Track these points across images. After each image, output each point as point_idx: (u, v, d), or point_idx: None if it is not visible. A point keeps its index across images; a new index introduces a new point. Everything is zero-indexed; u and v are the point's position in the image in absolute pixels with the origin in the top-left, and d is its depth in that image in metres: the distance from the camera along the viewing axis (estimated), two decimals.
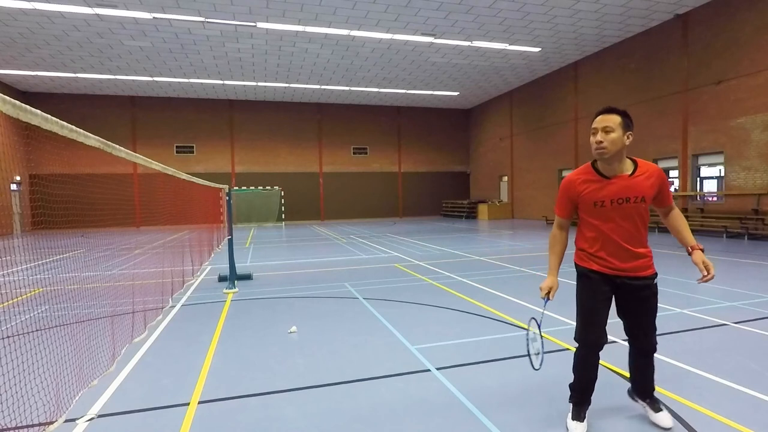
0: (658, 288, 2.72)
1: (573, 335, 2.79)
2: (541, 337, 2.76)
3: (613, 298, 2.71)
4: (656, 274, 2.67)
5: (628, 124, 2.53)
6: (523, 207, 26.12)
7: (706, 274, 2.57)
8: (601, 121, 2.53)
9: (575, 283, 2.80)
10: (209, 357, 4.28)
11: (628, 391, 3.04)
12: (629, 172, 2.56)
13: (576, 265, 2.80)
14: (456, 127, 32.10)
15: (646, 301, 2.66)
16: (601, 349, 2.68)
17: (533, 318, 2.82)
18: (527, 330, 2.83)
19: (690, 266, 8.84)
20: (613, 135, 2.48)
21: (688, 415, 2.91)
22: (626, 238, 2.58)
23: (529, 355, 2.78)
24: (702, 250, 2.63)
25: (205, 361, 4.16)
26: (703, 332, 4.69)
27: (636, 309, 2.69)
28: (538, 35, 17.56)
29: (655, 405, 2.83)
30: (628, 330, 2.79)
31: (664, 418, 2.76)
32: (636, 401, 2.96)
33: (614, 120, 2.51)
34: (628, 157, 2.60)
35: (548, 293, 2.68)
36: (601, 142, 2.49)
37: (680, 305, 5.72)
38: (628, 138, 2.52)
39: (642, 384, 2.87)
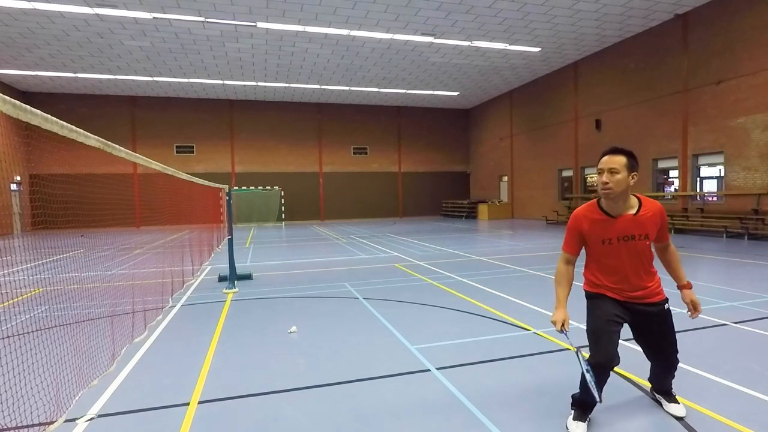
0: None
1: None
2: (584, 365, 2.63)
3: (628, 326, 2.81)
4: (666, 299, 2.79)
5: (633, 165, 2.59)
6: (523, 207, 26.13)
7: (693, 312, 2.82)
8: (607, 162, 2.59)
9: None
10: (209, 357, 4.28)
11: (650, 389, 3.18)
12: (633, 211, 2.64)
13: (586, 292, 2.88)
14: (456, 127, 32.09)
15: (661, 325, 2.78)
16: (611, 369, 2.67)
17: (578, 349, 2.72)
18: (582, 367, 2.66)
19: (689, 267, 8.84)
20: (618, 176, 2.55)
21: (688, 415, 2.91)
22: (633, 272, 2.69)
23: (592, 388, 2.60)
24: (690, 288, 2.86)
25: (205, 361, 4.16)
26: (703, 332, 4.69)
27: (652, 334, 2.82)
28: (538, 35, 17.56)
29: (671, 397, 2.99)
30: (648, 353, 2.92)
31: (677, 408, 2.90)
32: (654, 396, 3.12)
33: (620, 161, 2.57)
34: (632, 195, 2.69)
35: (563, 325, 2.66)
36: (607, 183, 2.57)
37: (680, 305, 5.69)
38: (633, 178, 2.58)
39: (662, 387, 3.03)
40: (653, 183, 17.39)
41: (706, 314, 5.31)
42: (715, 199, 15.42)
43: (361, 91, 25.79)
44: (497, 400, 3.21)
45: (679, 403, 2.94)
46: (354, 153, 29.98)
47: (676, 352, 2.83)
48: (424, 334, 4.82)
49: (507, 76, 23.71)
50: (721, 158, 14.83)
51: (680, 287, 2.88)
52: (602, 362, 2.61)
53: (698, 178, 15.88)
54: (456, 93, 26.90)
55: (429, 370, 3.82)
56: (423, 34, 17.13)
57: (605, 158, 2.62)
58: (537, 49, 19.13)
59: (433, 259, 10.66)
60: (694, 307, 2.81)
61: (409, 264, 9.95)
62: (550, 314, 5.37)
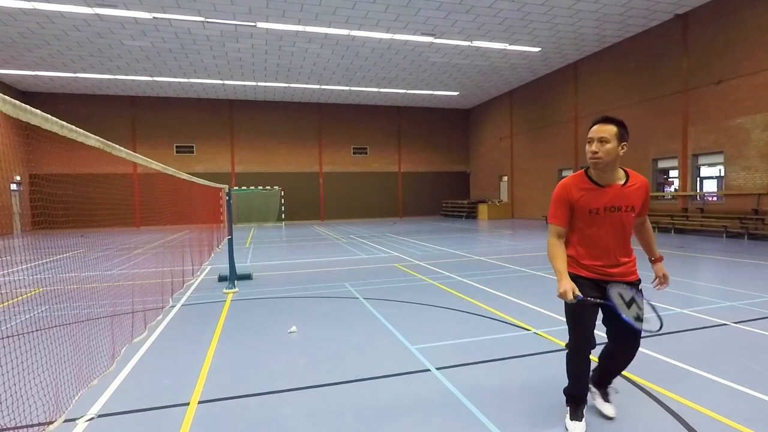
0: (650, 290, 2.86)
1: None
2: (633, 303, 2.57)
3: (600, 308, 2.75)
4: (640, 280, 2.77)
5: (623, 134, 2.59)
6: (523, 207, 26.12)
7: (662, 282, 2.86)
8: (598, 131, 2.58)
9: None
10: (209, 357, 4.28)
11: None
12: (622, 182, 2.65)
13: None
14: (456, 127, 32.09)
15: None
16: (590, 353, 2.71)
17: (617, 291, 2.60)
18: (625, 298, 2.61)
19: (689, 267, 8.84)
20: (608, 146, 2.54)
21: (688, 415, 2.91)
22: (614, 245, 2.68)
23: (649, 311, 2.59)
24: (662, 260, 2.90)
25: (205, 361, 4.16)
26: (703, 332, 4.69)
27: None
28: (538, 35, 17.56)
29: (608, 395, 3.02)
30: (616, 337, 2.81)
31: (610, 408, 2.93)
32: (589, 389, 3.03)
33: (610, 131, 2.56)
34: (620, 167, 2.68)
35: (574, 293, 2.53)
36: (596, 152, 2.56)
37: (680, 305, 5.72)
38: (622, 149, 2.58)
39: (609, 376, 3.00)
40: (653, 183, 17.38)
41: (706, 314, 5.31)
42: (715, 199, 15.42)
43: (361, 91, 25.79)
44: (497, 400, 3.21)
45: (612, 402, 2.96)
46: (354, 153, 29.98)
47: (640, 333, 2.76)
48: (424, 334, 4.82)
49: (507, 76, 23.70)
50: (721, 158, 14.83)
51: (653, 261, 2.90)
52: (581, 344, 2.65)
53: (698, 178, 15.88)
54: (456, 93, 26.90)
55: (429, 370, 3.82)
56: (423, 34, 17.13)
57: (595, 127, 2.61)
58: (537, 49, 19.13)
59: (433, 259, 10.66)
60: (664, 280, 2.85)
61: (409, 264, 9.95)
62: (550, 314, 5.38)
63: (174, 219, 11.13)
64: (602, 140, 2.54)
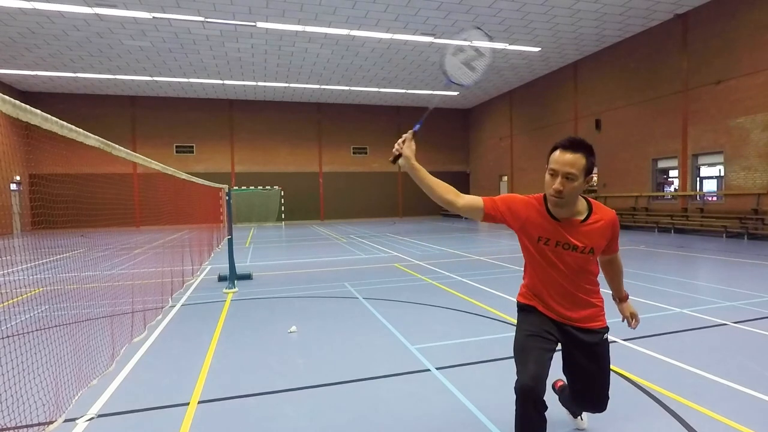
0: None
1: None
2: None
3: (559, 351, 2.35)
4: (607, 327, 2.32)
5: (592, 165, 2.07)
6: None
7: (632, 323, 2.48)
8: (563, 162, 2.03)
9: None
10: (209, 357, 4.28)
11: (552, 387, 2.97)
12: (581, 217, 2.15)
13: (518, 304, 2.43)
14: (456, 126, 32.09)
15: (598, 358, 2.29)
16: (539, 395, 2.02)
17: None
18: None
19: (690, 266, 8.84)
20: (575, 184, 2.03)
21: (688, 415, 2.91)
22: (572, 286, 2.22)
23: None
24: (628, 298, 2.52)
25: (205, 361, 4.16)
26: (703, 332, 4.69)
27: (585, 368, 2.31)
28: (538, 35, 17.55)
29: (576, 414, 2.87)
30: (577, 392, 2.44)
31: (581, 423, 2.84)
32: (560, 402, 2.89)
33: (579, 165, 2.02)
34: (582, 197, 2.20)
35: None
36: (560, 191, 2.03)
37: (680, 305, 5.72)
38: (588, 182, 2.09)
39: (575, 414, 2.85)
40: (653, 183, 17.39)
41: (706, 314, 5.31)
42: (714, 198, 15.42)
43: (361, 91, 25.79)
44: (497, 400, 3.20)
45: (581, 416, 2.84)
46: (354, 153, 29.98)
47: (607, 398, 2.34)
48: (424, 334, 4.82)
49: (507, 76, 23.70)
50: (720, 158, 14.83)
51: (619, 299, 2.51)
52: (526, 383, 2.02)
53: (698, 178, 15.87)
54: (456, 93, 26.90)
55: (429, 370, 3.82)
56: (423, 34, 17.12)
57: (558, 155, 2.05)
58: (537, 49, 19.13)
59: (433, 258, 10.66)
60: (633, 318, 2.47)
61: (408, 264, 9.95)
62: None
63: (174, 219, 11.13)
64: (569, 177, 2.01)
